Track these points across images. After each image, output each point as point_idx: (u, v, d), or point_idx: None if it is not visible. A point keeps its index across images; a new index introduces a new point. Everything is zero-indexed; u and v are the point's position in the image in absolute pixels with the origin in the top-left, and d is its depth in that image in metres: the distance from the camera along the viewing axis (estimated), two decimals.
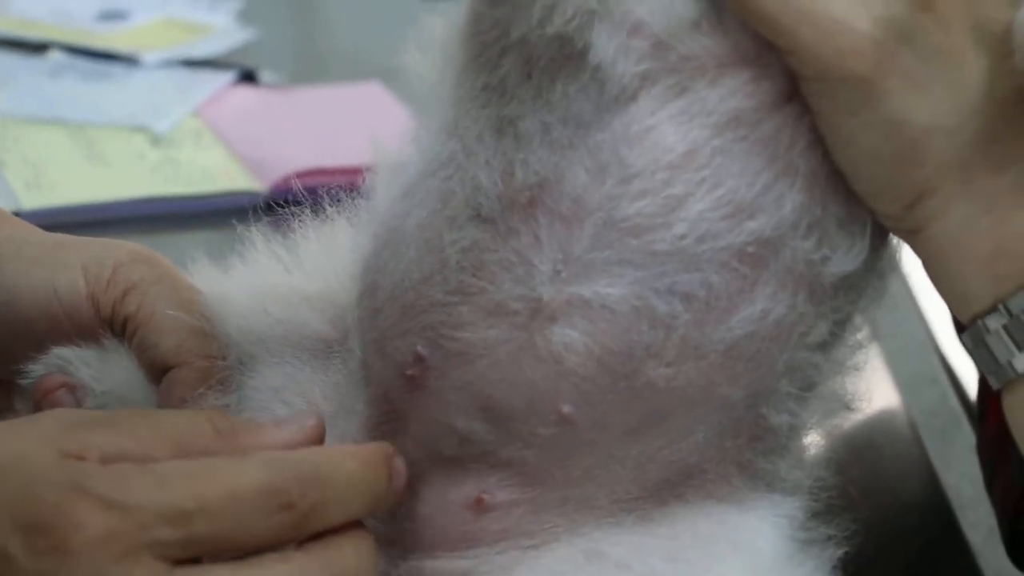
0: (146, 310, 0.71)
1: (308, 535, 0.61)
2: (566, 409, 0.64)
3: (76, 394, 0.71)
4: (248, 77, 1.33)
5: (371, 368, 0.68)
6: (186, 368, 0.70)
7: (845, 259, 0.65)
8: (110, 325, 0.72)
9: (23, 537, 0.57)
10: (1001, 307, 0.63)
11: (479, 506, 0.66)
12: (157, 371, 0.71)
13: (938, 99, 0.62)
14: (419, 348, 0.65)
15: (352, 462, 0.62)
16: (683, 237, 0.63)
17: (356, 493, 0.62)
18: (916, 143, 0.62)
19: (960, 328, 0.66)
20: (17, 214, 0.90)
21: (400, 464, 0.64)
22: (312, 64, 1.49)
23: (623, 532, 0.65)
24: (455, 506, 0.67)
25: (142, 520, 0.58)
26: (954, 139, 0.62)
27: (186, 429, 0.62)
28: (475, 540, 0.67)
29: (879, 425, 1.02)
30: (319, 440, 0.64)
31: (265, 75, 1.33)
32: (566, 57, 0.64)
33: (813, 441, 0.70)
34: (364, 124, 1.18)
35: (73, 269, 0.72)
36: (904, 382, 1.04)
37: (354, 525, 0.62)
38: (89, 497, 0.58)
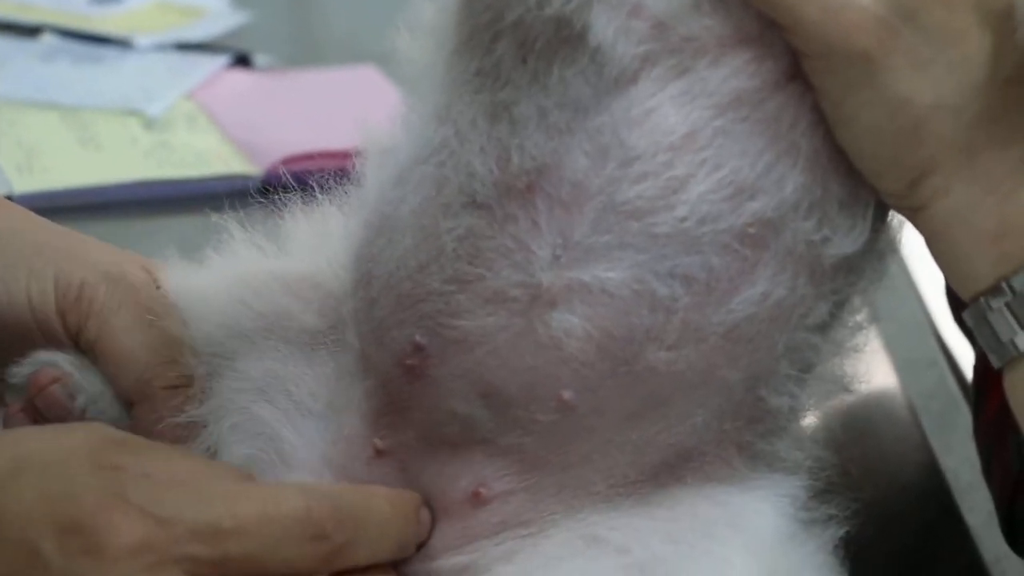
0: (105, 341, 0.71)
1: (336, 571, 0.61)
2: (566, 395, 0.64)
3: (69, 389, 0.71)
4: (242, 60, 1.33)
5: (369, 359, 0.67)
6: (146, 404, 0.70)
7: (846, 240, 0.65)
8: (77, 344, 0.71)
9: (58, 537, 0.57)
10: (1004, 285, 0.63)
11: (477, 499, 0.66)
12: (123, 401, 0.71)
13: (941, 77, 0.62)
14: (417, 337, 0.65)
15: (386, 506, 0.63)
16: (684, 219, 0.63)
17: (387, 537, 0.62)
18: (919, 121, 0.62)
19: (956, 308, 0.66)
20: (10, 198, 0.89)
21: (426, 515, 0.65)
22: (307, 47, 1.48)
23: (622, 516, 0.65)
24: (455, 500, 0.66)
25: (177, 534, 0.58)
26: (957, 117, 0.62)
27: (216, 471, 0.62)
28: (473, 534, 0.66)
29: (877, 408, 1.02)
30: None
31: (259, 58, 1.33)
32: (563, 40, 0.63)
33: (812, 424, 0.70)
34: (359, 108, 1.17)
35: (46, 281, 0.71)
36: (902, 365, 1.04)
37: (381, 568, 0.62)
38: (128, 504, 0.58)
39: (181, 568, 0.58)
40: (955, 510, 0.94)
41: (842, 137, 0.63)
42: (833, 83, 0.62)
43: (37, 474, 0.59)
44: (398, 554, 0.63)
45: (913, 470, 0.99)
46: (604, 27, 0.62)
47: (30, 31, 1.34)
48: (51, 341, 0.71)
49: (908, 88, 0.62)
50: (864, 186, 0.65)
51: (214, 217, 0.72)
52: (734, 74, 0.63)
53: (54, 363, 0.71)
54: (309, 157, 1.12)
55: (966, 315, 0.65)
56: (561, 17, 0.63)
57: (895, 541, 0.92)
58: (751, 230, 0.63)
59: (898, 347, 1.04)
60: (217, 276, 0.71)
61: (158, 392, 0.69)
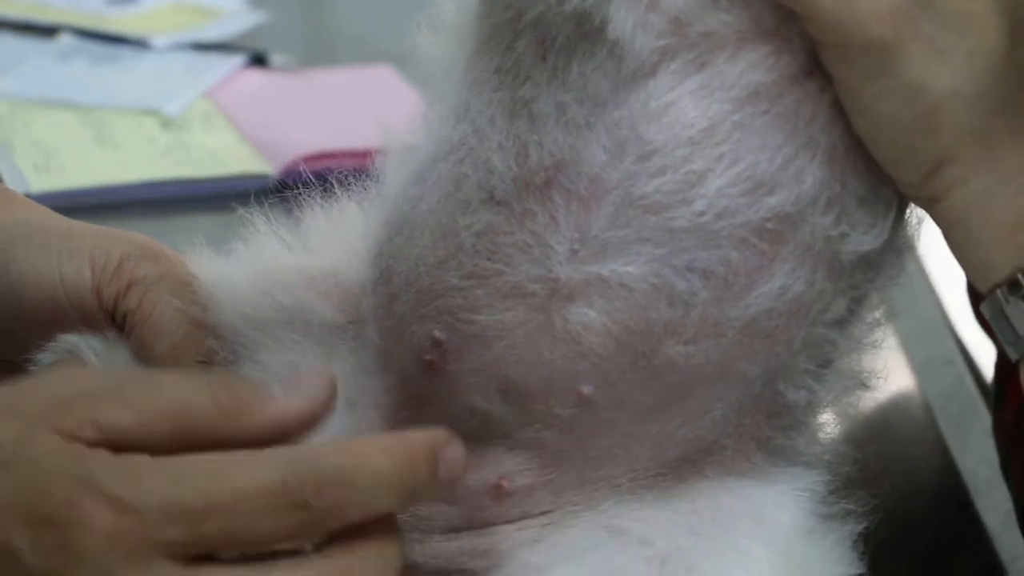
0: (145, 308, 0.70)
1: (329, 533, 0.59)
2: (585, 389, 0.64)
3: None
4: (258, 60, 1.33)
5: (389, 355, 0.67)
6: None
7: (865, 237, 0.65)
8: (112, 318, 0.71)
9: (31, 532, 0.56)
10: (1021, 277, 0.63)
11: (499, 492, 0.66)
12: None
13: (958, 65, 0.62)
14: (436, 332, 0.65)
15: (383, 457, 0.59)
16: (702, 213, 0.63)
17: (384, 490, 0.59)
18: (936, 109, 0.62)
19: (977, 304, 0.66)
20: (26, 197, 0.89)
21: (453, 452, 0.61)
22: (322, 47, 1.49)
23: (644, 508, 0.65)
24: (474, 493, 0.66)
25: (150, 519, 0.56)
26: (975, 106, 0.62)
27: (187, 401, 0.59)
28: (494, 521, 0.66)
29: (894, 408, 1.02)
30: (331, 402, 0.61)
31: (275, 58, 1.33)
32: (582, 35, 0.63)
33: (829, 424, 0.70)
34: (374, 107, 1.17)
35: (80, 258, 0.71)
36: (919, 365, 1.04)
37: (382, 528, 0.60)
38: (98, 494, 0.56)
39: (159, 552, 0.56)
40: (972, 510, 0.94)
41: (859, 126, 0.63)
42: (850, 72, 0.62)
43: (4, 467, 0.57)
44: (408, 502, 0.60)
45: (930, 470, 0.99)
46: (623, 21, 0.63)
47: (47, 31, 1.34)
48: (84, 319, 0.71)
49: (925, 76, 0.62)
50: (884, 183, 0.65)
51: (238, 211, 0.72)
52: (752, 68, 0.63)
53: (76, 351, 0.71)
54: (325, 156, 1.12)
55: (983, 307, 0.65)
56: (581, 12, 0.63)
57: (912, 541, 0.92)
58: (769, 225, 0.63)
59: (915, 347, 1.04)
60: (242, 267, 0.71)
61: (192, 363, 0.69)
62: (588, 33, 0.63)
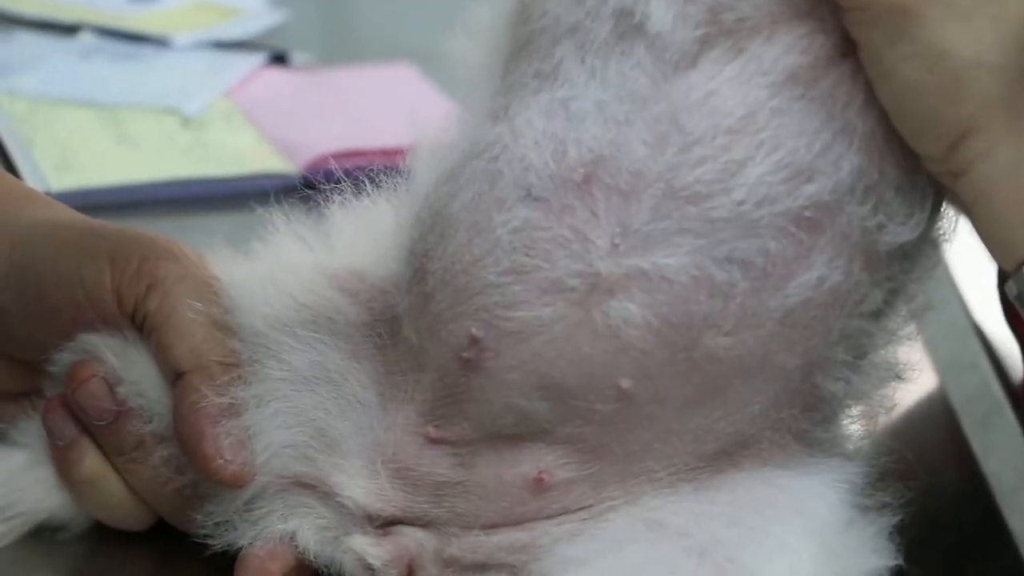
0: (165, 309, 0.70)
1: None
2: (625, 384, 0.64)
3: (110, 382, 0.70)
4: (279, 59, 1.33)
5: (425, 352, 0.67)
6: (197, 375, 0.69)
7: (902, 228, 0.65)
8: (132, 318, 0.71)
9: None
10: None
11: (539, 486, 0.66)
12: (170, 373, 0.70)
13: (982, 32, 0.61)
14: (474, 330, 0.65)
15: None
16: (742, 202, 0.63)
17: None
18: (959, 77, 0.61)
19: (1004, 280, 0.65)
20: (47, 195, 0.89)
21: None
22: (343, 46, 1.48)
23: (682, 501, 0.66)
24: (513, 487, 0.66)
25: None
26: (1000, 76, 0.61)
27: None
28: (533, 516, 0.66)
29: (918, 412, 1.01)
30: None
31: (296, 57, 1.33)
32: (619, 36, 0.64)
33: (860, 420, 0.70)
34: (395, 105, 1.18)
35: (100, 259, 0.71)
36: (944, 368, 1.03)
37: None
38: None
39: None
40: (997, 514, 0.93)
41: (882, 94, 0.63)
42: (872, 36, 0.62)
43: None
44: None
45: (954, 474, 0.99)
46: (663, 14, 0.63)
47: (68, 29, 1.34)
48: (104, 319, 0.71)
49: (947, 41, 0.61)
50: (921, 173, 0.64)
51: (257, 211, 0.72)
52: (787, 51, 0.63)
53: (95, 351, 0.70)
54: (346, 155, 1.12)
55: (1007, 287, 0.63)
56: (622, 9, 0.64)
57: (937, 546, 0.92)
58: (807, 213, 0.63)
59: (940, 350, 1.04)
60: (262, 268, 0.71)
61: (212, 364, 0.69)
62: (625, 33, 0.64)
